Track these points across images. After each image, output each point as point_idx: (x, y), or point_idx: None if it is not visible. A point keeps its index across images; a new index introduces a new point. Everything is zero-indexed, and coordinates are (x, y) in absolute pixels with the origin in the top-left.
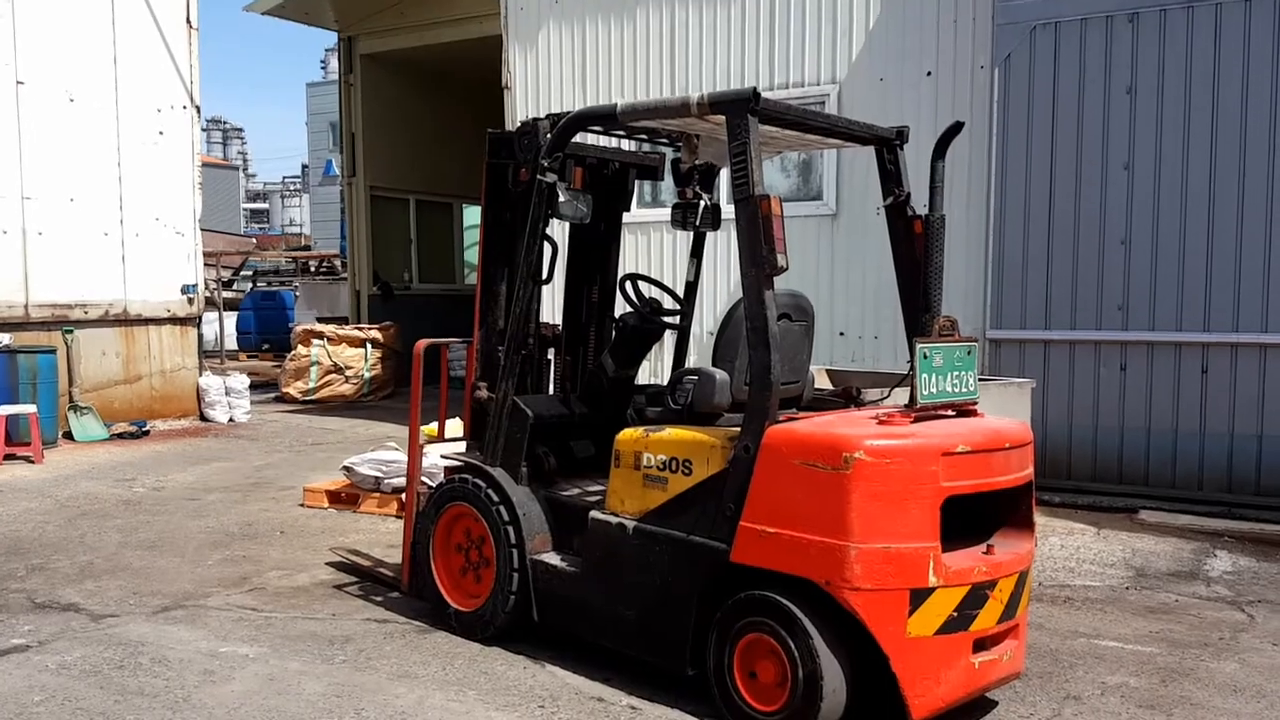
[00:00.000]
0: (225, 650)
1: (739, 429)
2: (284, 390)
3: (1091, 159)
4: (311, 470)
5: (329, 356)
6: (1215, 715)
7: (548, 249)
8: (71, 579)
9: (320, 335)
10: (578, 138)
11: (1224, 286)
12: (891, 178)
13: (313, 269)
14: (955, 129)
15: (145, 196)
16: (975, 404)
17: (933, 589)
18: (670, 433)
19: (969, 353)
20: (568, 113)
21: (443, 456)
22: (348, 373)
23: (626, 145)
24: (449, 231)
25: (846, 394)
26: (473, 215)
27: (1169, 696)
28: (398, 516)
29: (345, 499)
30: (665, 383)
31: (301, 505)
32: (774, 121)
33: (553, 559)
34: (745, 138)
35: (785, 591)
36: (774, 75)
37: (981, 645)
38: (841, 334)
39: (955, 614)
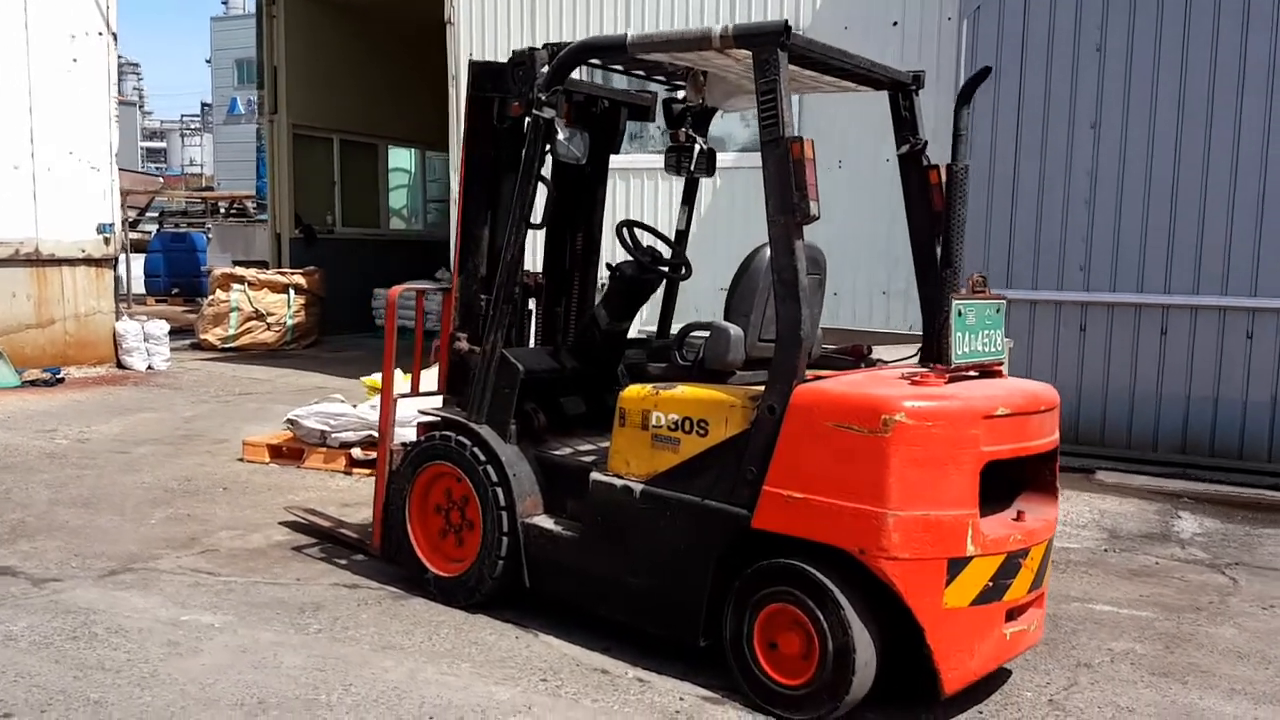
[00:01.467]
0: (187, 619)
1: (760, 387)
2: (201, 337)
3: (1058, 116)
4: (245, 422)
5: (250, 302)
6: (1228, 682)
7: (541, 190)
8: (3, 539)
9: (240, 280)
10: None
11: (1185, 249)
12: (906, 125)
13: (223, 210)
14: (983, 74)
15: (58, 128)
16: (1001, 364)
17: (970, 558)
18: (683, 391)
19: (998, 310)
20: (567, 43)
21: (420, 412)
22: (269, 319)
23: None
24: (373, 174)
25: (857, 352)
26: (397, 158)
27: (1178, 664)
28: (346, 473)
29: (288, 454)
30: (654, 335)
31: (240, 460)
32: (799, 60)
33: (546, 522)
34: (775, 74)
35: (811, 560)
36: (734, 19)
37: (1011, 615)
38: None
39: (990, 584)
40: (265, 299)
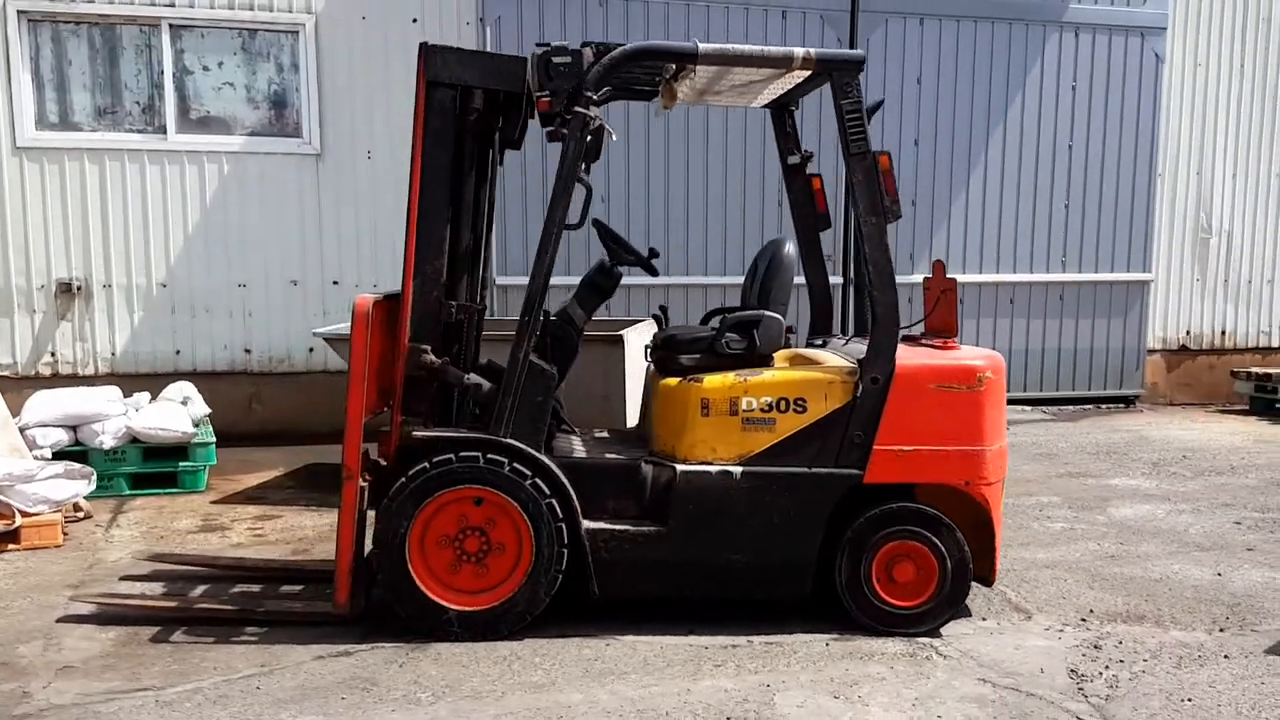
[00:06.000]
0: None
1: (851, 365)
2: None
3: None
4: None
5: None
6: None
7: (580, 191)
8: None
9: None
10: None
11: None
12: (790, 139)
13: None
14: (877, 106)
15: None
16: None
17: (1004, 476)
18: (774, 375)
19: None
20: (613, 44)
21: (416, 436)
22: None
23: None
24: None
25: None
26: None
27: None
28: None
29: None
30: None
31: None
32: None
33: (611, 525)
34: (859, 96)
35: (913, 499)
36: None
37: None
38: (335, 283)
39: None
40: None
